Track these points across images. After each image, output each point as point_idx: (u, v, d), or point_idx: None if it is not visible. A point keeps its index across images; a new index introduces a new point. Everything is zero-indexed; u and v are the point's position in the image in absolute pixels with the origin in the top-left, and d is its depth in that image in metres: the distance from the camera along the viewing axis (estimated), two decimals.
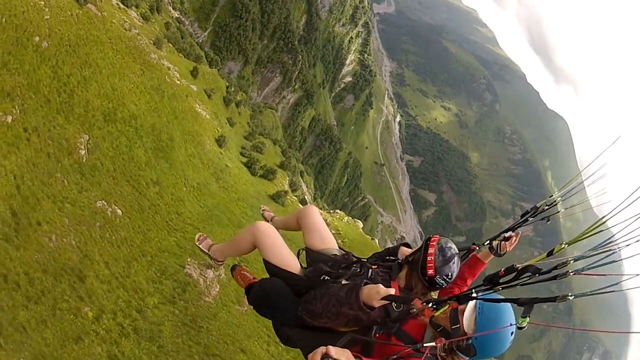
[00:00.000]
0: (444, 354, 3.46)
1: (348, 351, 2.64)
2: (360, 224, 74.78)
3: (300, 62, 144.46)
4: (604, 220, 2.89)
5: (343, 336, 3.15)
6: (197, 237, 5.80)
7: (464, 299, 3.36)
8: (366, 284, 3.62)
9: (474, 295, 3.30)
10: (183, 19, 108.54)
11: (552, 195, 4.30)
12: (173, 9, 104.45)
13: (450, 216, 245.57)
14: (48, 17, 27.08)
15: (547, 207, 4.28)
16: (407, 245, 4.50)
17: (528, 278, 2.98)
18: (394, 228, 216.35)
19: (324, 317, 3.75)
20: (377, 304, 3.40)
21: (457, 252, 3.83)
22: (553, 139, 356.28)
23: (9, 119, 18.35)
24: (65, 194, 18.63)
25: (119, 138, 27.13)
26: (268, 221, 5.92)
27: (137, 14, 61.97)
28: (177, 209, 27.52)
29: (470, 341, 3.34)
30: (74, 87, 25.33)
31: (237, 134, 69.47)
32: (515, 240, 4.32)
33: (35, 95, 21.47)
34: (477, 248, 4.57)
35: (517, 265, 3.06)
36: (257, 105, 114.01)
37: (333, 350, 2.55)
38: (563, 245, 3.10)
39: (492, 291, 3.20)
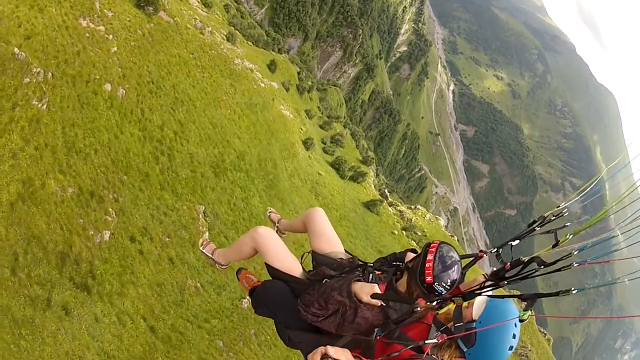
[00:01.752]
0: (443, 350, 3.19)
1: (347, 351, 2.55)
2: (442, 220, 68.23)
3: (361, 37, 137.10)
4: (607, 209, 2.96)
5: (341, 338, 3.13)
6: (200, 242, 5.31)
7: (470, 295, 3.23)
8: (359, 281, 3.52)
9: (479, 291, 3.20)
10: None
11: (559, 206, 3.81)
12: None
13: (503, 189, 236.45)
14: (115, 48, 19.72)
15: (554, 217, 3.74)
16: (414, 251, 4.03)
17: (535, 271, 2.95)
18: (447, 199, 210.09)
19: (316, 304, 3.65)
20: (365, 298, 3.26)
21: (459, 259, 3.43)
22: (602, 114, 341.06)
23: (107, 235, 11.90)
24: (206, 306, 14.09)
25: (234, 192, 21.82)
26: (275, 223, 5.63)
27: (199, 2, 56.52)
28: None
29: (474, 324, 3.10)
30: (171, 141, 18.75)
31: (314, 126, 65.26)
32: None
33: (128, 176, 14.77)
34: (484, 256, 4.06)
35: (524, 258, 3.01)
36: (321, 83, 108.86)
37: (332, 350, 2.45)
38: (568, 236, 3.04)
39: (498, 286, 3.13)
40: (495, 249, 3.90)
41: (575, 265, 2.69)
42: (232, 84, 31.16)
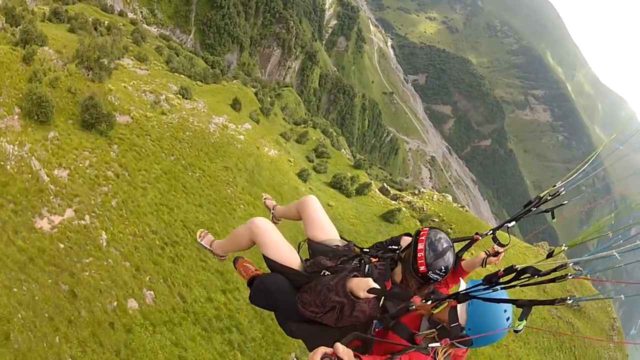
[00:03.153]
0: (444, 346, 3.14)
1: (350, 351, 2.55)
2: (449, 196, 65.54)
3: (294, 28, 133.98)
4: (603, 223, 2.94)
5: (341, 330, 3.23)
6: (198, 233, 5.09)
7: (464, 297, 3.10)
8: (355, 276, 3.37)
9: (474, 294, 3.07)
10: (164, 32, 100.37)
11: (555, 185, 3.71)
12: (148, 25, 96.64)
13: (471, 123, 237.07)
14: (104, 234, 15.06)
15: (550, 197, 3.69)
16: (410, 235, 3.91)
17: (527, 279, 2.84)
18: (422, 151, 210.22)
19: (313, 304, 3.54)
20: (362, 294, 3.14)
21: (450, 243, 3.36)
22: (543, 22, 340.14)
23: None
24: None
25: None
26: (270, 209, 5.49)
27: (134, 60, 53.08)
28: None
29: (463, 332, 3.14)
30: (226, 305, 15.56)
31: (294, 147, 61.30)
32: (500, 257, 4.01)
33: None
34: (480, 238, 4.03)
35: (517, 266, 2.90)
36: (274, 89, 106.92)
37: (340, 348, 2.44)
38: (563, 247, 3.01)
39: (490, 290, 3.01)
40: (492, 231, 4.01)
41: (570, 277, 2.58)
42: (224, 166, 27.39)
